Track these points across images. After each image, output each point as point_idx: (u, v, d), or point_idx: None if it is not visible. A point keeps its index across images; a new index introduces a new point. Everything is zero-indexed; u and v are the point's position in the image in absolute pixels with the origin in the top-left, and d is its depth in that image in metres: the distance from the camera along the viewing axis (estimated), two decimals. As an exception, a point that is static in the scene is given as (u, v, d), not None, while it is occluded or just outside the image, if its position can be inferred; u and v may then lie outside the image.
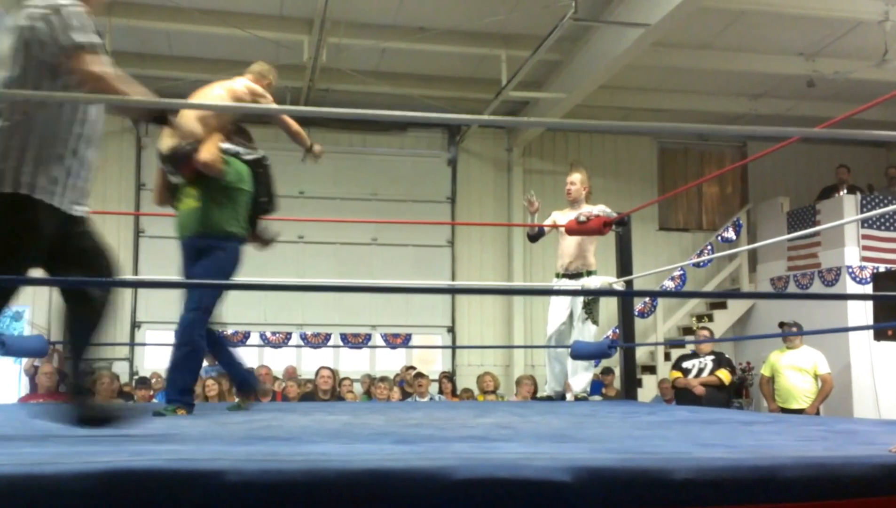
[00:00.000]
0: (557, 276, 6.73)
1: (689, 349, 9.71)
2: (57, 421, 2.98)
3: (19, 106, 2.93)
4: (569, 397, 6.68)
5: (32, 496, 1.69)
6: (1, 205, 2.89)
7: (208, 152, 4.55)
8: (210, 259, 4.58)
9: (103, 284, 2.92)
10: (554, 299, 6.84)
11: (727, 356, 9.38)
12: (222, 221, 4.63)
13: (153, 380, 9.27)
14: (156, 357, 10.04)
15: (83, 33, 2.99)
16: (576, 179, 6.72)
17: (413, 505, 1.83)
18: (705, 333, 10.04)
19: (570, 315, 6.57)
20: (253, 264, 11.56)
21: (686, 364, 8.93)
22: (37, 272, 3.13)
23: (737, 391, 10.81)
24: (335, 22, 8.75)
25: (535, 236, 6.97)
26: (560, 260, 6.67)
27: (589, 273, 6.51)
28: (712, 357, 8.84)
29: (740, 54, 10.07)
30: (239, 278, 5.01)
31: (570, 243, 6.55)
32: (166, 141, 4.59)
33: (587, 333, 6.44)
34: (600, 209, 6.40)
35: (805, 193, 11.99)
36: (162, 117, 3.50)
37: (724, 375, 8.73)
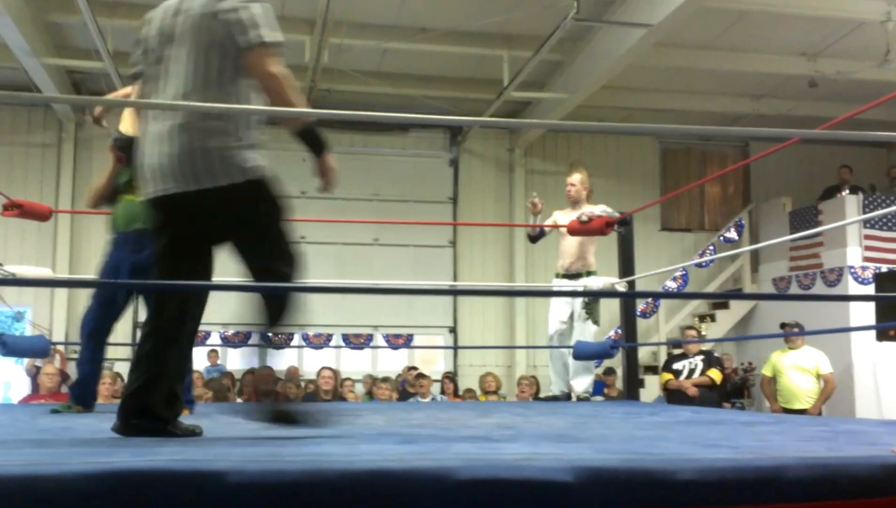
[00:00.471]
0: (557, 276, 6.72)
1: (678, 350, 9.70)
2: (251, 420, 3.01)
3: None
4: (572, 397, 6.68)
5: (34, 496, 1.68)
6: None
7: None
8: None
9: (103, 284, 2.90)
10: (554, 299, 6.83)
11: (717, 355, 9.36)
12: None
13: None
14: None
15: (270, 31, 2.93)
16: (575, 179, 6.71)
17: (415, 506, 1.83)
18: (693, 333, 10.04)
19: (571, 315, 6.57)
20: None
21: (676, 366, 8.92)
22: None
23: (738, 392, 10.82)
24: (337, 22, 8.75)
25: (536, 236, 6.97)
26: (561, 260, 6.66)
27: (589, 274, 6.50)
28: (702, 357, 8.83)
29: (742, 55, 10.08)
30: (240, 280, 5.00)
31: (571, 244, 6.54)
32: (129, 127, 4.56)
33: (587, 333, 6.43)
34: (601, 209, 6.39)
35: (807, 193, 11.99)
36: (311, 138, 3.21)
37: (716, 374, 8.72)
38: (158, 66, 2.96)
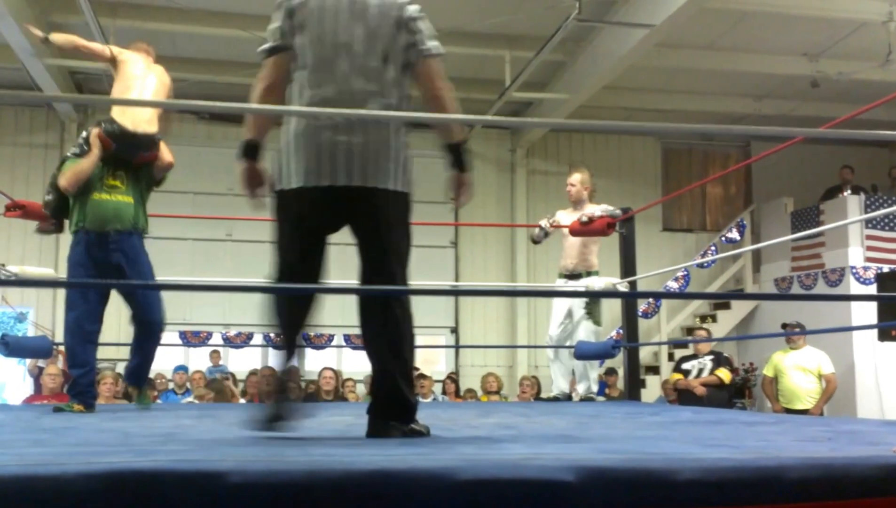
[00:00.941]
0: (561, 276, 6.73)
1: (689, 350, 9.71)
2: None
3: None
4: (574, 397, 6.68)
5: (37, 496, 1.69)
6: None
7: (170, 155, 4.69)
8: (143, 259, 4.70)
9: (106, 285, 2.89)
10: (556, 300, 6.84)
11: (726, 355, 9.37)
12: (145, 219, 4.78)
13: (158, 380, 9.29)
14: (160, 358, 10.07)
15: (437, 42, 3.00)
16: (575, 179, 6.71)
17: (417, 506, 1.83)
18: (703, 333, 10.04)
19: (570, 313, 6.56)
20: (257, 264, 11.61)
21: (686, 366, 8.94)
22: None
23: (740, 392, 10.81)
24: (339, 22, 8.75)
25: (539, 239, 6.95)
26: (563, 261, 6.67)
27: (590, 274, 6.50)
28: (711, 357, 8.85)
29: (744, 55, 10.08)
30: (242, 280, 5.02)
31: (573, 244, 6.55)
32: (129, 120, 4.55)
33: (587, 332, 6.43)
34: (602, 209, 6.39)
35: (809, 193, 11.98)
36: (458, 153, 3.44)
37: (724, 374, 8.73)
38: None
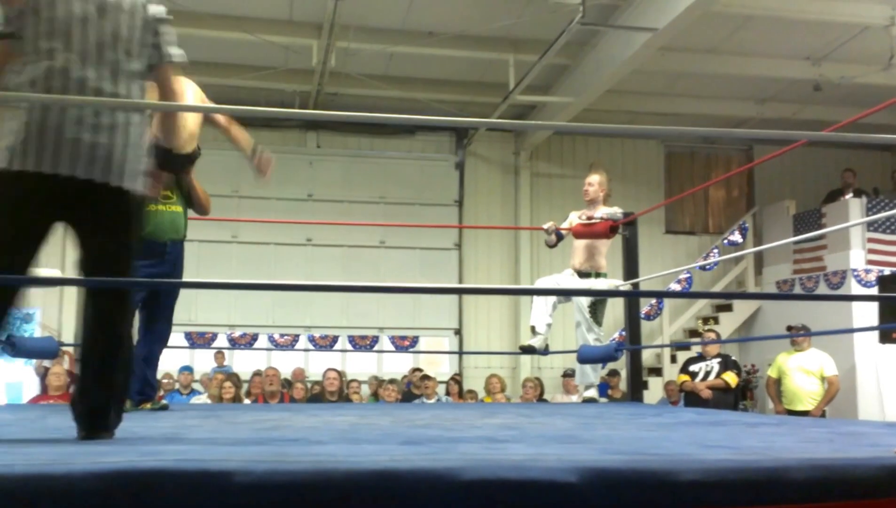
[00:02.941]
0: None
1: (696, 351, 9.71)
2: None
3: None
4: (575, 398, 6.70)
5: (41, 496, 1.69)
6: None
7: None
8: (181, 266, 4.70)
9: (112, 283, 2.89)
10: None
11: (733, 358, 9.38)
12: (186, 228, 4.77)
13: (164, 380, 9.31)
14: (163, 358, 10.10)
15: (179, 50, 3.01)
16: (594, 180, 6.70)
17: (420, 506, 1.84)
18: (711, 335, 10.03)
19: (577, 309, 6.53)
20: (262, 265, 11.68)
21: (693, 368, 8.93)
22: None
23: (741, 393, 10.81)
24: (344, 26, 8.79)
25: (554, 243, 6.91)
26: (572, 260, 6.69)
27: (598, 274, 6.51)
28: (718, 360, 8.84)
29: (747, 59, 10.09)
30: (248, 281, 5.03)
31: (580, 243, 6.57)
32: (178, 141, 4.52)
33: (591, 340, 6.41)
34: (611, 212, 6.39)
35: (811, 196, 11.99)
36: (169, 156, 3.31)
37: (731, 378, 8.72)
38: None
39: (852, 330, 9.39)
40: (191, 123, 4.47)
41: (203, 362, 10.60)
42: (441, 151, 12.22)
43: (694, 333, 11.79)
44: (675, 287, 11.60)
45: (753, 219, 12.31)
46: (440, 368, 11.56)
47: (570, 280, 6.53)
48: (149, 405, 4.42)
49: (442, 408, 5.81)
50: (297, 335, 11.41)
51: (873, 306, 9.11)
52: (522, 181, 12.20)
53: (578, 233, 6.35)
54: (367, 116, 2.88)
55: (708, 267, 11.71)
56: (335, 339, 11.50)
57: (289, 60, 9.75)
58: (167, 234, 4.58)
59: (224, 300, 11.10)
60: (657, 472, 1.99)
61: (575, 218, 6.70)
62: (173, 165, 4.41)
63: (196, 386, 9.73)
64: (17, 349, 5.22)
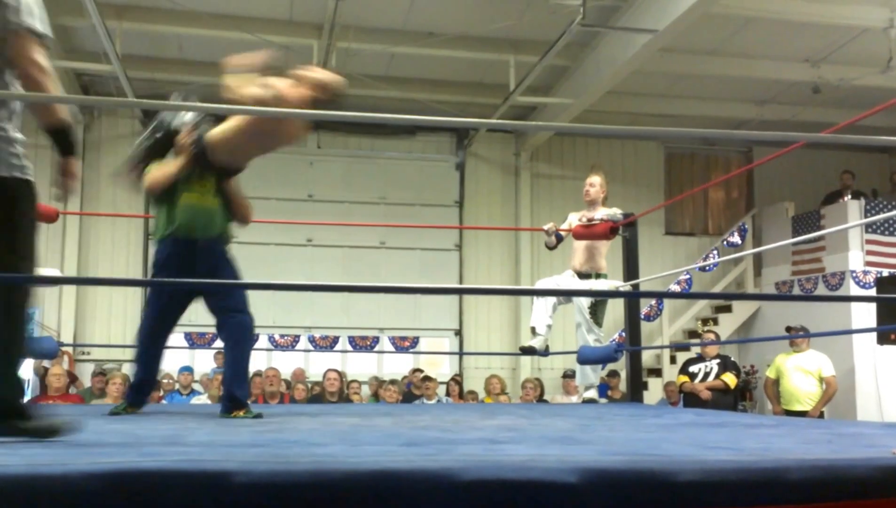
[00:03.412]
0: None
1: (695, 352, 9.72)
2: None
3: None
4: (575, 399, 6.71)
5: (41, 496, 1.71)
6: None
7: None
8: (228, 267, 4.55)
9: (121, 283, 2.90)
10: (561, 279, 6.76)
11: (733, 359, 9.38)
12: (230, 225, 4.64)
13: (164, 381, 9.32)
14: (165, 359, 10.10)
15: (40, 21, 2.77)
16: (595, 181, 6.74)
17: (421, 506, 1.85)
18: (711, 335, 10.03)
19: (578, 310, 6.55)
20: (262, 266, 11.68)
21: (692, 369, 8.94)
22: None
23: (740, 394, 10.83)
24: (345, 27, 8.79)
25: (553, 245, 6.93)
26: (572, 260, 6.70)
27: (598, 275, 6.53)
28: (718, 361, 8.84)
29: (746, 61, 10.10)
30: (248, 281, 4.98)
31: (580, 244, 6.59)
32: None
33: (590, 341, 6.44)
34: (611, 213, 6.41)
35: (810, 198, 12.00)
36: (64, 137, 3.10)
37: (730, 379, 8.72)
38: None
39: (851, 331, 9.41)
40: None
41: (203, 362, 10.59)
42: (441, 151, 12.23)
43: (693, 334, 11.80)
44: (675, 288, 11.61)
45: (753, 220, 12.32)
46: (440, 368, 11.58)
47: (570, 281, 6.55)
48: (241, 413, 4.20)
49: (442, 409, 5.82)
50: (298, 336, 11.42)
51: (872, 308, 9.13)
52: (523, 182, 12.20)
53: (578, 234, 6.37)
54: (368, 116, 2.89)
55: (707, 268, 11.72)
56: (336, 339, 11.51)
57: (289, 61, 9.75)
58: (199, 231, 4.39)
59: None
60: (657, 473, 2.00)
61: (574, 219, 6.72)
62: (202, 164, 4.36)
63: (196, 387, 9.72)
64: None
